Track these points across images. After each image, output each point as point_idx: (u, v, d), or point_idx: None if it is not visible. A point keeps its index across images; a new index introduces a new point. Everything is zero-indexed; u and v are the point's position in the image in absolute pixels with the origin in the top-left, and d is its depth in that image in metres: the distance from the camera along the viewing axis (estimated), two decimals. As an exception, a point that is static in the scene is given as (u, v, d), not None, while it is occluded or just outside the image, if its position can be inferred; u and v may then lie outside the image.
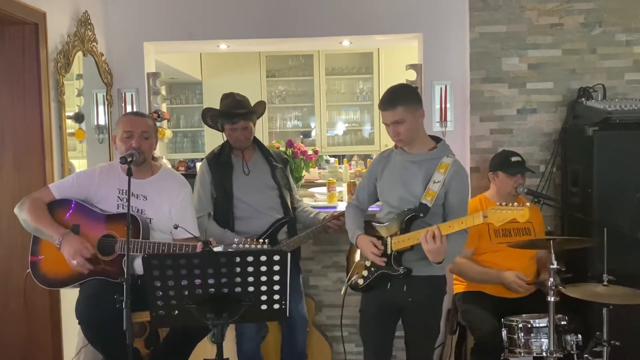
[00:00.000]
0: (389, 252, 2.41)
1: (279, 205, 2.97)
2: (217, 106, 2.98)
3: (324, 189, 4.08)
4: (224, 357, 2.03)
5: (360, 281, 2.55)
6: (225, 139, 2.97)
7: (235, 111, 2.85)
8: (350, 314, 3.11)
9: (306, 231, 2.98)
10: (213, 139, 5.53)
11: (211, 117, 2.96)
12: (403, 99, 2.36)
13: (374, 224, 2.55)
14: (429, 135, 2.51)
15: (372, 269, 2.49)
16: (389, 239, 2.42)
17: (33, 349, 2.88)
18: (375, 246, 2.41)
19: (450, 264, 2.92)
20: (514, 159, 2.96)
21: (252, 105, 2.96)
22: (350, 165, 5.56)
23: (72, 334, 3.03)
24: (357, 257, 2.62)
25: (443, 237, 2.20)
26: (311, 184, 4.78)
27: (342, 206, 3.57)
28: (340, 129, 6.50)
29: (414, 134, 2.40)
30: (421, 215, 2.36)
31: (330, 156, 6.44)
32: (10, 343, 2.86)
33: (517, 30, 3.41)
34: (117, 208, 2.50)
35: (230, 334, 3.04)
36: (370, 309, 2.57)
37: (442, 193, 2.37)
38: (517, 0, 3.39)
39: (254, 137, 3.01)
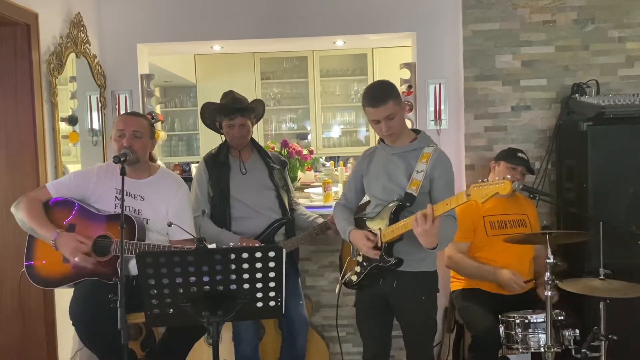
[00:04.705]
0: (379, 244, 2.41)
1: (277, 206, 2.95)
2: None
3: (319, 190, 4.08)
4: (221, 358, 2.01)
5: (354, 277, 2.54)
6: (223, 140, 2.97)
7: (233, 106, 2.86)
8: (347, 314, 3.10)
9: (304, 232, 2.97)
10: (208, 142, 5.50)
11: (209, 114, 2.96)
12: (392, 93, 2.40)
13: (364, 219, 2.56)
14: (410, 129, 2.57)
15: (365, 263, 2.49)
16: (378, 232, 2.42)
17: (27, 351, 2.85)
18: (369, 239, 2.41)
19: (448, 260, 2.95)
20: (520, 154, 3.03)
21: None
22: (346, 168, 5.56)
23: (67, 336, 3.00)
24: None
25: (435, 217, 2.18)
26: (307, 186, 4.78)
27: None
28: (335, 130, 6.49)
29: (402, 127, 2.47)
30: (407, 204, 2.37)
31: (326, 158, 6.43)
32: (5, 345, 2.83)
33: (510, 27, 3.41)
34: (115, 208, 2.48)
35: (226, 335, 3.02)
36: (364, 304, 2.59)
37: (426, 182, 2.39)
38: (509, -3, 3.40)
39: (252, 139, 3.01)
